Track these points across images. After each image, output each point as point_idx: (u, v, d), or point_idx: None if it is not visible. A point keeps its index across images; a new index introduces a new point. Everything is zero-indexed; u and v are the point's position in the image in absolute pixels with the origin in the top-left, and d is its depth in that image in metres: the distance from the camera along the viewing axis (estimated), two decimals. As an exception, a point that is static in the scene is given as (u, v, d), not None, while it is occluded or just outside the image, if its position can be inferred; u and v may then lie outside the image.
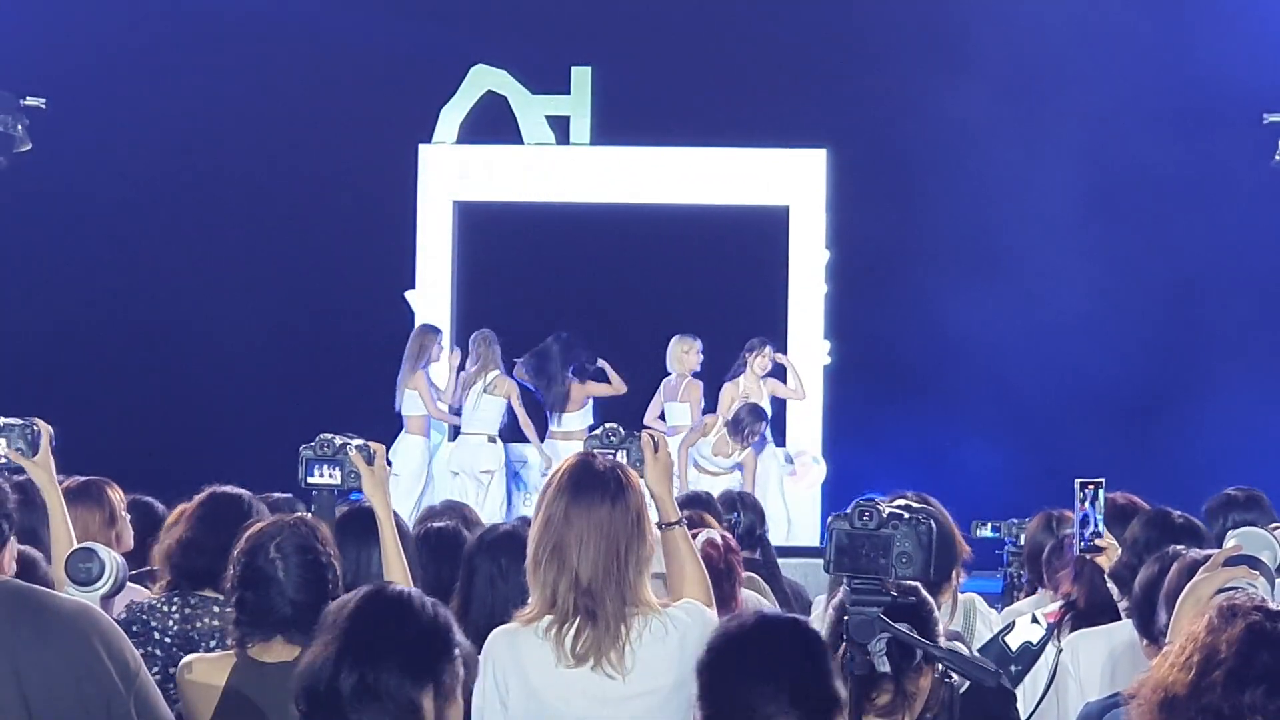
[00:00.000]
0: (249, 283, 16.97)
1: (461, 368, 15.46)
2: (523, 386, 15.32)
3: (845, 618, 4.18)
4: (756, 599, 6.69)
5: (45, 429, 5.94)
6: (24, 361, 16.32)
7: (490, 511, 14.01)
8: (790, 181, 17.05)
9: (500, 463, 15.18)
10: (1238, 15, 15.97)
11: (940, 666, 4.39)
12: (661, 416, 15.30)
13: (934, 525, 4.39)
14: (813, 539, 15.08)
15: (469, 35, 17.19)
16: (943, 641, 4.40)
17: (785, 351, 16.08)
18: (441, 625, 3.57)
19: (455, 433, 15.68)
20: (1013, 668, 5.46)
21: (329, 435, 5.94)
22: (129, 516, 6.88)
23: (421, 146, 17.17)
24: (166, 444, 15.90)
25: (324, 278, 17.05)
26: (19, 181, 15.73)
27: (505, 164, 17.18)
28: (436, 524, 6.40)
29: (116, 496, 6.75)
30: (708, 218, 16.88)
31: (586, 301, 16.77)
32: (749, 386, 15.19)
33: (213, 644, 5.53)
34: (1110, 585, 5.79)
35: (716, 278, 16.60)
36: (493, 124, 17.15)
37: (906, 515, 4.38)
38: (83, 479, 6.60)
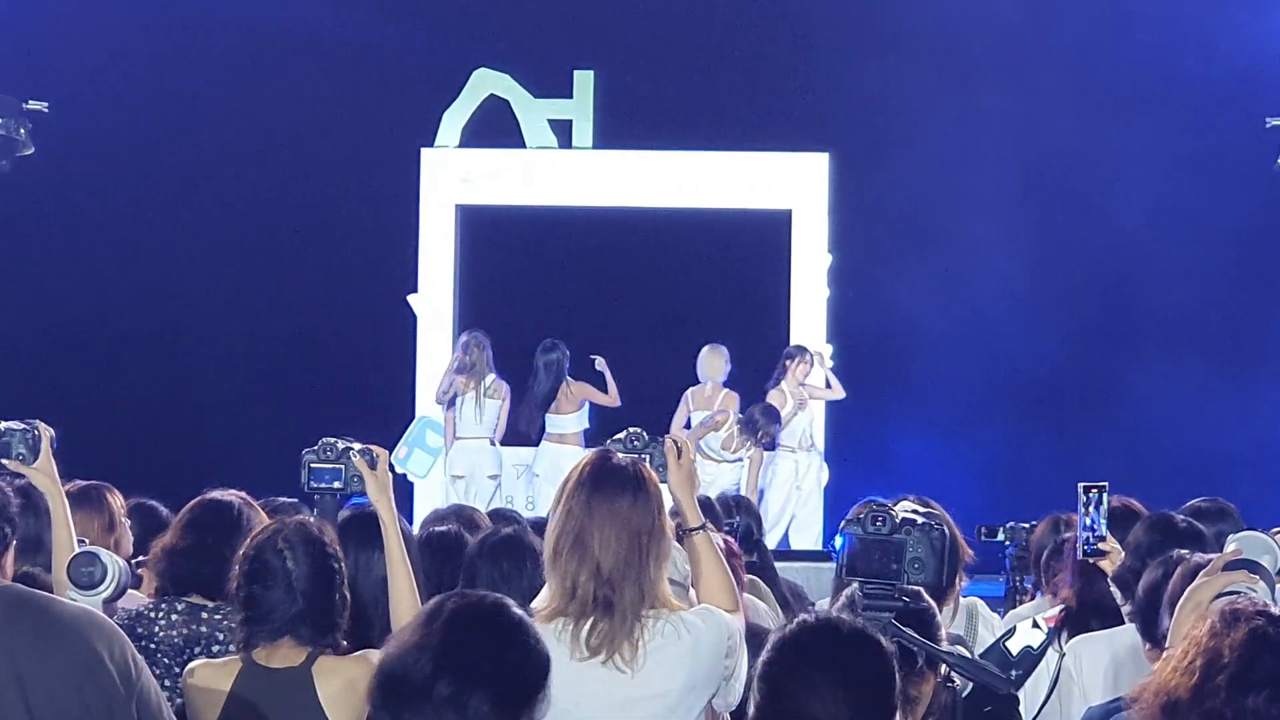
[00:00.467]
0: (252, 286, 16.97)
1: (462, 370, 15.31)
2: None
3: None
4: (757, 603, 6.70)
5: (46, 432, 5.92)
6: (26, 364, 16.32)
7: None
8: (792, 185, 17.05)
9: (500, 467, 15.14)
10: (1238, 18, 15.98)
11: (943, 670, 4.39)
12: (687, 425, 15.28)
13: (946, 531, 4.39)
14: (814, 543, 15.06)
15: (471, 39, 17.19)
16: (945, 646, 4.39)
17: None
18: (544, 661, 3.55)
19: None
20: (1013, 673, 5.45)
21: (331, 439, 5.94)
22: (130, 521, 6.87)
23: (424, 150, 17.18)
24: (169, 448, 15.90)
25: (327, 281, 17.05)
26: (21, 185, 15.73)
27: (507, 168, 17.19)
28: (438, 528, 6.40)
29: (116, 501, 6.74)
30: (710, 222, 16.88)
31: (588, 305, 16.76)
32: (792, 391, 15.18)
33: (198, 650, 5.53)
34: (1113, 589, 5.78)
35: (719, 281, 16.60)
36: (495, 128, 17.15)
37: (920, 521, 4.38)
38: (83, 483, 6.58)
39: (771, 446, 14.99)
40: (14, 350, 16.51)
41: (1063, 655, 5.48)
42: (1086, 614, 5.76)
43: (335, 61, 17.07)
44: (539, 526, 7.69)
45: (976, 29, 16.36)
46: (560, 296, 16.89)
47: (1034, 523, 7.91)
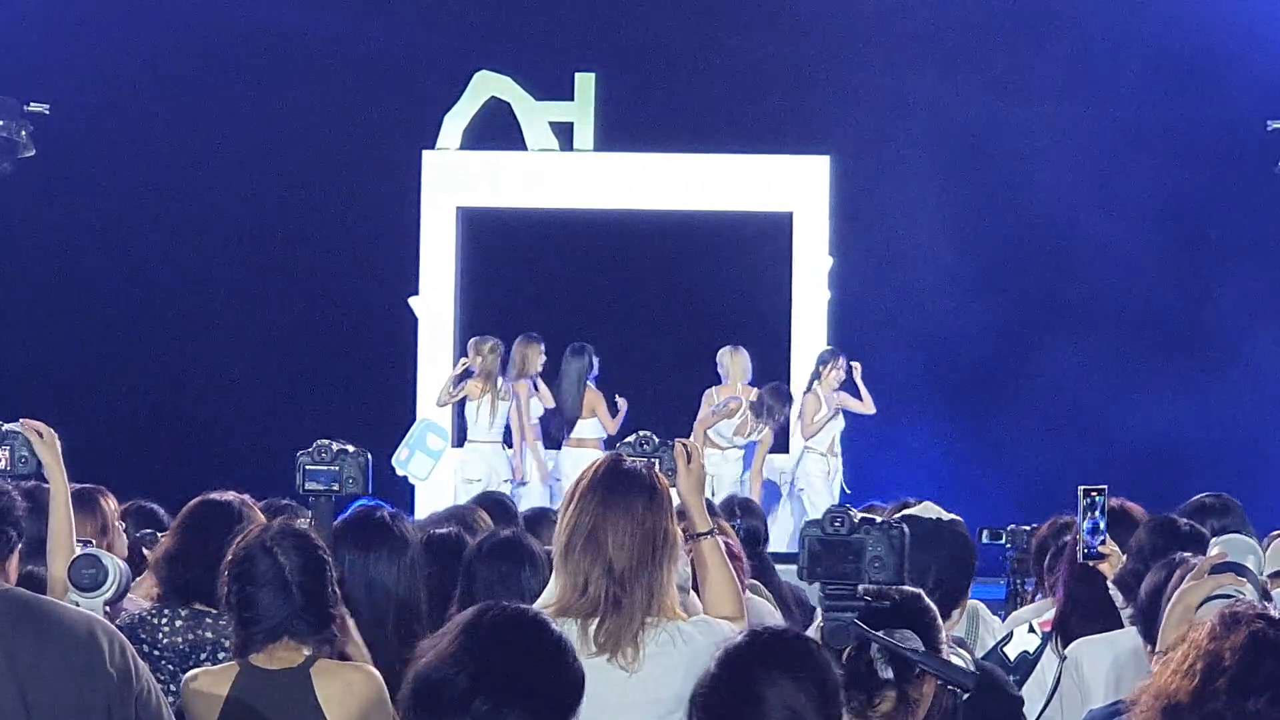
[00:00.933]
0: (253, 288, 16.98)
1: (467, 375, 15.27)
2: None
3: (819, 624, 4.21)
4: (761, 603, 6.70)
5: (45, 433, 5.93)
6: (25, 366, 16.31)
7: None
8: (794, 188, 17.05)
9: (511, 470, 15.14)
10: (1240, 22, 15.98)
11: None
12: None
13: (905, 530, 4.39)
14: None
15: (472, 41, 17.20)
16: (944, 649, 4.39)
17: (788, 356, 16.10)
18: (580, 680, 3.54)
19: (460, 439, 15.59)
20: (1012, 677, 5.45)
21: (325, 441, 5.94)
22: (125, 524, 6.86)
23: (425, 153, 17.18)
24: (170, 450, 15.91)
25: (328, 283, 17.05)
26: (22, 187, 15.74)
27: (509, 170, 17.19)
28: (438, 530, 6.40)
29: (110, 505, 6.72)
30: (711, 224, 16.88)
31: (590, 307, 16.76)
32: (826, 396, 15.18)
33: (203, 657, 5.52)
34: (1114, 592, 5.78)
35: (720, 284, 16.60)
36: (496, 130, 17.15)
37: (878, 520, 4.39)
38: (77, 487, 6.57)
39: (786, 425, 15.05)
40: (14, 352, 16.51)
41: (1063, 658, 5.48)
42: (1081, 617, 5.76)
43: (336, 64, 17.07)
44: (531, 521, 7.71)
45: (977, 33, 16.37)
46: (561, 299, 16.89)
47: (1035, 525, 7.91)
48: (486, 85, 17.22)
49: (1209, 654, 3.23)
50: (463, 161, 17.23)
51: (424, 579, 5.64)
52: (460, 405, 15.28)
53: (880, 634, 4.18)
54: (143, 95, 16.98)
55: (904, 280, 16.66)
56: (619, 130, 17.15)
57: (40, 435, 5.86)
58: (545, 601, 4.69)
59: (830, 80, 16.69)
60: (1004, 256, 16.58)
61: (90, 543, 5.81)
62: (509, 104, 17.19)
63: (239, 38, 16.95)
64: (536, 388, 15.10)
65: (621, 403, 15.24)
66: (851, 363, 15.37)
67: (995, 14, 16.44)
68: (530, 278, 17.04)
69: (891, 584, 4.35)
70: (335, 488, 5.89)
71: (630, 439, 5.26)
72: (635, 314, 16.68)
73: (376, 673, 4.94)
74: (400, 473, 15.81)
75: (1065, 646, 5.60)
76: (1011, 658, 5.68)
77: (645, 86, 16.95)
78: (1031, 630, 5.80)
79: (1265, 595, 4.48)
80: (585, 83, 17.20)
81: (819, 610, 4.43)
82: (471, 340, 15.38)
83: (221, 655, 5.45)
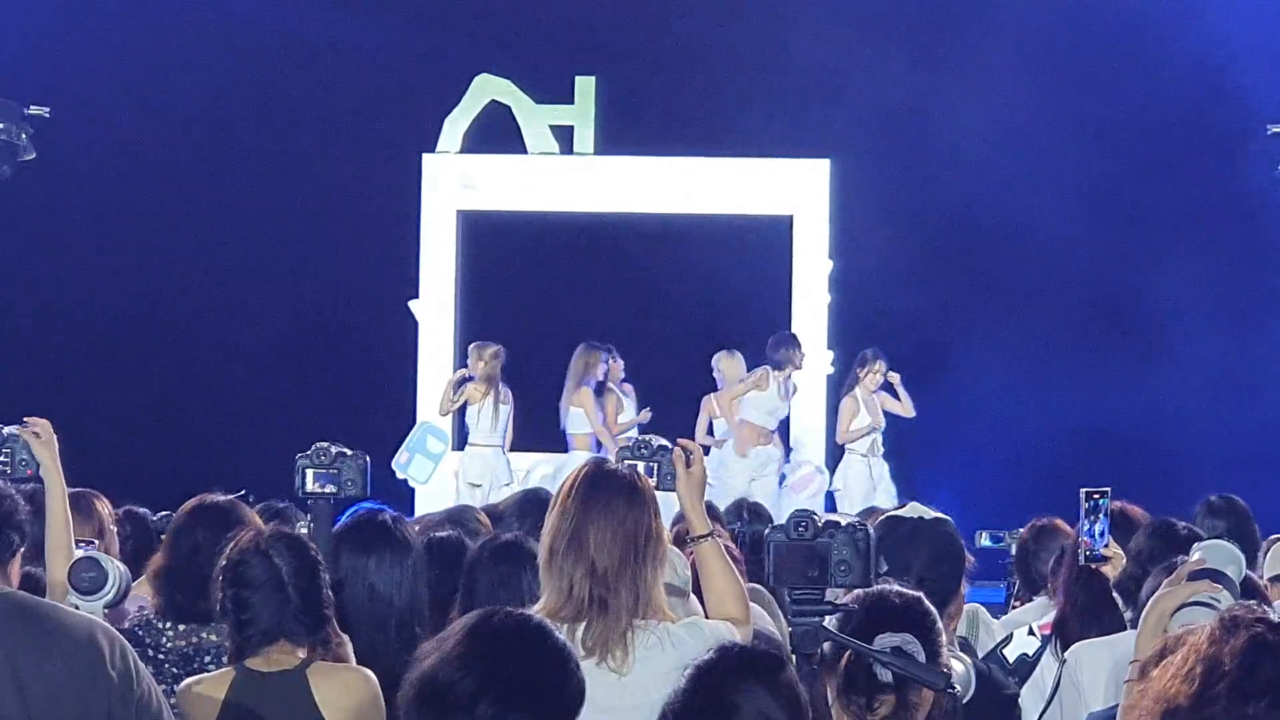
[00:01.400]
0: (253, 292, 16.98)
1: (465, 380, 15.31)
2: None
3: (790, 629, 4.21)
4: (760, 611, 6.68)
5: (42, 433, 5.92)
6: (25, 368, 16.31)
7: None
8: (794, 191, 17.05)
9: (511, 474, 15.18)
10: (1240, 25, 15.99)
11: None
12: (710, 431, 15.31)
13: (870, 533, 4.39)
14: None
15: (473, 44, 17.21)
16: (945, 652, 4.39)
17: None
18: (582, 688, 3.54)
19: (461, 442, 15.60)
20: (1011, 679, 5.45)
21: (325, 444, 5.94)
22: (119, 529, 6.85)
23: (425, 156, 17.18)
24: (170, 453, 15.90)
25: (328, 287, 17.06)
26: (22, 190, 15.74)
27: (509, 173, 17.19)
28: (439, 534, 6.40)
29: (105, 509, 6.72)
30: (711, 227, 16.88)
31: (590, 311, 16.76)
32: (865, 399, 15.18)
33: (206, 660, 5.51)
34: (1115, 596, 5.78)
35: (720, 287, 16.59)
36: (496, 133, 17.16)
37: (843, 523, 4.39)
38: (71, 491, 6.56)
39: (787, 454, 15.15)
40: (13, 354, 16.51)
41: (1063, 661, 5.48)
42: (1080, 620, 5.75)
43: (337, 67, 17.07)
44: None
45: (978, 36, 16.36)
46: (561, 302, 16.89)
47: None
48: (487, 88, 17.23)
49: (1208, 658, 3.22)
50: (463, 165, 17.23)
51: (425, 583, 5.64)
52: (461, 409, 15.31)
53: (852, 639, 4.18)
54: (143, 98, 16.98)
55: (904, 284, 16.64)
56: (619, 133, 17.15)
57: (39, 435, 5.86)
58: (536, 608, 4.70)
59: (830, 84, 16.69)
60: (1005, 264, 16.57)
61: (93, 543, 5.80)
62: (509, 107, 17.19)
63: (239, 41, 16.96)
64: (601, 393, 15.15)
65: (645, 413, 15.29)
66: (890, 373, 15.32)
67: (997, 17, 16.43)
68: (530, 281, 17.04)
69: (859, 587, 4.35)
70: (334, 490, 5.89)
71: (628, 443, 5.27)
72: (635, 317, 16.67)
73: (371, 674, 4.95)
74: (400, 476, 15.82)
75: (1064, 649, 5.60)
76: (1011, 660, 5.68)
77: (645, 90, 16.95)
78: (1031, 633, 5.80)
79: (1261, 601, 4.47)
80: (585, 86, 17.21)
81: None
82: (472, 345, 15.39)
83: (214, 666, 5.45)
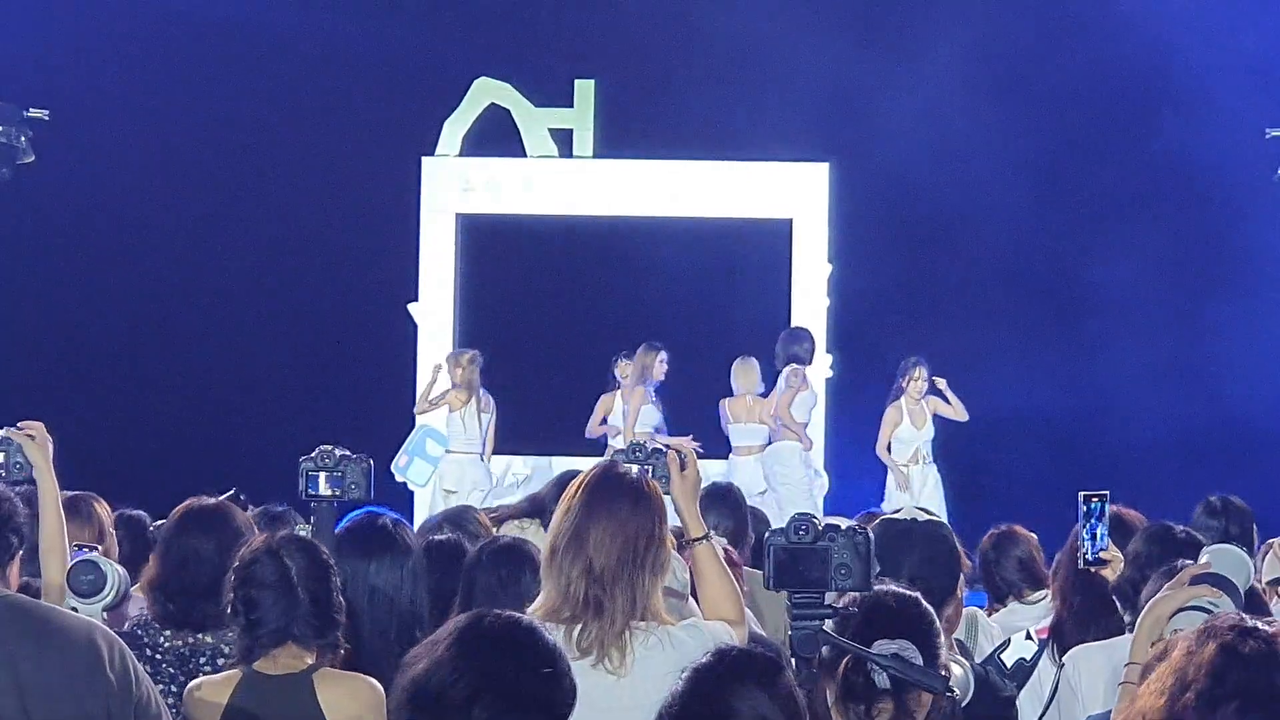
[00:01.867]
0: (252, 294, 16.98)
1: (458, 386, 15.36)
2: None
3: (789, 633, 4.21)
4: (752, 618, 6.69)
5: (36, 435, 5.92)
6: (25, 371, 16.32)
7: None
8: (793, 195, 17.05)
9: (489, 480, 15.22)
10: (1241, 29, 16.00)
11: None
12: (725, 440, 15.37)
13: (870, 536, 4.39)
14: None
15: (472, 48, 17.21)
16: (944, 655, 4.39)
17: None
18: (573, 690, 3.54)
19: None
20: (1009, 683, 5.46)
21: (329, 447, 5.94)
22: (118, 532, 6.84)
23: (424, 159, 17.19)
24: (169, 456, 15.90)
25: (327, 289, 17.06)
26: (22, 193, 15.75)
27: (508, 177, 17.19)
28: (438, 537, 6.40)
29: (104, 512, 6.71)
30: (710, 231, 16.89)
31: (589, 314, 16.76)
32: (911, 408, 15.14)
33: (202, 661, 5.51)
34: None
35: (719, 291, 16.60)
36: (496, 137, 17.16)
37: (844, 527, 4.38)
38: (70, 494, 6.55)
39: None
40: (13, 357, 16.51)
41: (1061, 666, 5.48)
42: (1077, 624, 5.76)
43: (336, 70, 17.07)
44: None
45: (977, 40, 16.36)
46: (560, 306, 16.89)
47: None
48: (486, 92, 17.23)
49: (1179, 671, 3.24)
50: (462, 168, 17.24)
51: (425, 586, 5.64)
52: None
53: (852, 643, 4.18)
54: (143, 102, 16.98)
55: (903, 288, 16.65)
56: (618, 137, 17.15)
57: (33, 438, 5.85)
58: (534, 607, 4.72)
59: (829, 87, 16.68)
60: (1005, 266, 16.57)
61: (96, 548, 5.79)
62: (508, 110, 17.20)
63: (239, 44, 16.96)
64: (655, 396, 15.18)
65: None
66: (936, 378, 15.28)
67: (996, 22, 16.44)
68: (529, 284, 17.04)
69: (859, 590, 4.35)
70: (338, 493, 5.89)
71: (623, 446, 5.27)
72: (634, 321, 16.66)
73: (377, 684, 4.94)
74: (399, 479, 15.82)
75: (1062, 652, 5.60)
76: (1008, 664, 5.68)
77: (645, 93, 16.95)
78: (1029, 637, 5.81)
79: (1257, 607, 4.47)
80: (585, 89, 17.21)
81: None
82: (449, 354, 15.47)
83: (220, 661, 5.45)
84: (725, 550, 6.26)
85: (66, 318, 16.87)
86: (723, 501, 7.71)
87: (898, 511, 5.69)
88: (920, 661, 4.18)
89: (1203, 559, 4.49)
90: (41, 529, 5.67)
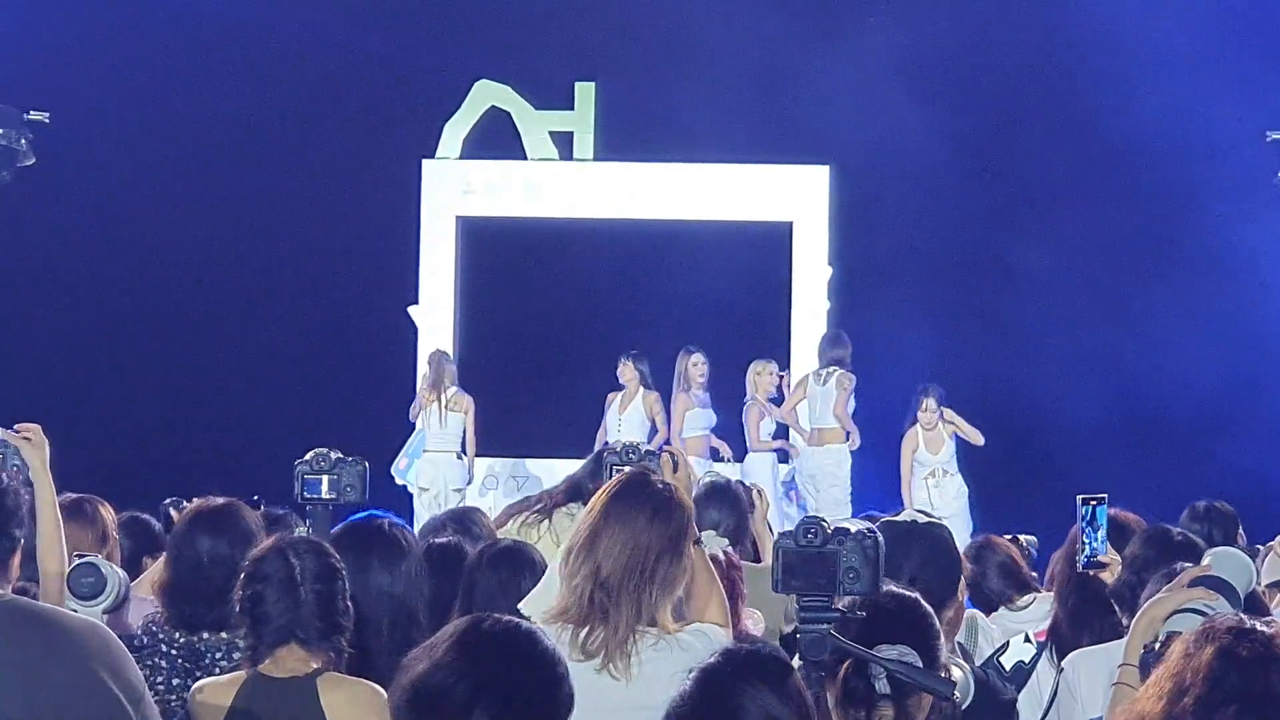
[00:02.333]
0: (252, 297, 16.98)
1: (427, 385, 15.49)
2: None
3: (796, 635, 4.21)
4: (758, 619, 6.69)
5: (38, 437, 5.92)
6: (24, 373, 16.32)
7: None
8: (793, 198, 17.06)
9: (467, 479, 15.26)
10: (1241, 31, 16.01)
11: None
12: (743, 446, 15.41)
13: (879, 540, 4.39)
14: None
15: (472, 50, 17.21)
16: (944, 656, 4.39)
17: (788, 366, 16.17)
18: (571, 691, 3.55)
19: (463, 448, 15.64)
20: (1009, 686, 5.46)
21: (324, 449, 5.93)
22: (120, 536, 6.84)
23: (425, 162, 17.19)
24: (169, 459, 15.89)
25: (327, 292, 17.06)
26: (22, 196, 15.74)
27: (508, 179, 17.20)
28: (438, 539, 6.40)
29: (108, 515, 6.71)
30: (711, 234, 16.89)
31: (589, 317, 16.77)
32: (926, 435, 15.12)
33: (207, 662, 5.51)
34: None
35: (720, 293, 16.59)
36: (496, 139, 17.17)
37: (853, 530, 4.39)
38: (74, 496, 6.55)
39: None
40: (13, 360, 16.51)
41: (1060, 670, 5.48)
42: (1075, 627, 5.76)
43: (337, 73, 17.08)
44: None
45: (978, 44, 16.37)
46: (560, 308, 16.89)
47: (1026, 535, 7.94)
48: (486, 94, 17.24)
49: (1177, 674, 3.23)
50: (462, 170, 17.24)
51: (422, 588, 5.63)
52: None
53: (859, 646, 4.18)
54: (143, 104, 16.99)
55: (903, 290, 16.64)
56: (619, 139, 17.16)
57: (29, 440, 5.85)
58: (549, 610, 4.73)
59: (830, 90, 16.68)
60: (1005, 269, 16.56)
61: (98, 556, 5.78)
62: (509, 113, 17.20)
63: (239, 47, 16.96)
64: (703, 398, 15.26)
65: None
66: (944, 409, 15.23)
67: (996, 27, 16.44)
68: (530, 287, 17.03)
69: (868, 594, 4.35)
70: (333, 496, 5.89)
71: (617, 448, 5.27)
72: (634, 324, 16.67)
73: (381, 689, 4.94)
74: (399, 482, 15.82)
75: (1060, 655, 5.60)
76: (1007, 667, 5.68)
77: (645, 96, 16.95)
78: (1027, 640, 5.81)
79: (1257, 611, 4.46)
80: (585, 92, 17.22)
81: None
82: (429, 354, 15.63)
83: (236, 655, 5.44)
84: (725, 553, 6.26)
85: (67, 320, 16.86)
86: (722, 498, 7.71)
87: (898, 513, 5.69)
88: (919, 664, 4.18)
89: (1205, 561, 4.48)
90: (39, 531, 5.67)
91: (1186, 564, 5.04)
